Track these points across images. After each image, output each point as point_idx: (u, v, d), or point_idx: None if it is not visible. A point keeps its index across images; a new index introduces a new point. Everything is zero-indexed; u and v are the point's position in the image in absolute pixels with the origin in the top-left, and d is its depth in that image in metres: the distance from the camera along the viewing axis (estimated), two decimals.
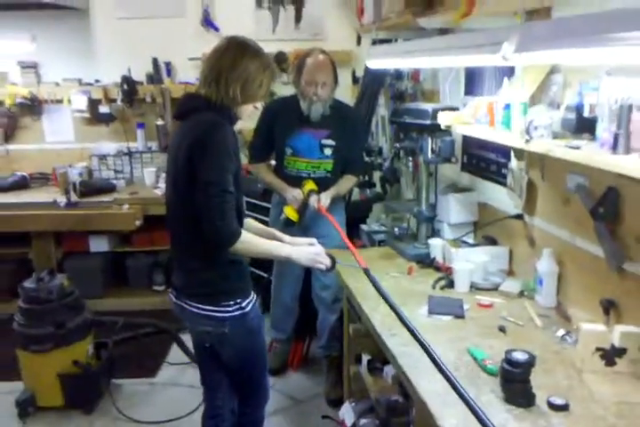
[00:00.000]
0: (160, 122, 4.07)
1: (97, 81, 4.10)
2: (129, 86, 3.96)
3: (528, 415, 1.36)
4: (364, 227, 3.13)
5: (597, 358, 1.48)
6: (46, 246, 3.85)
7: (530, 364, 1.38)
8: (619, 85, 1.36)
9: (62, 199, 3.71)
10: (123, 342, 3.35)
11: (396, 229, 2.66)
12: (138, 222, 3.71)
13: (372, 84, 3.34)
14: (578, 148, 1.36)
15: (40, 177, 4.18)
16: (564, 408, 1.36)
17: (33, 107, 4.08)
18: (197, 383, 2.99)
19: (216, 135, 1.67)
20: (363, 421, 2.45)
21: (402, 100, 3.03)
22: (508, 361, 1.40)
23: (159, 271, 4.04)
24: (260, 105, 1.83)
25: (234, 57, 1.72)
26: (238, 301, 1.80)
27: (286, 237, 1.95)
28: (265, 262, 3.18)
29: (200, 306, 1.80)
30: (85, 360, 2.82)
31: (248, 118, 1.87)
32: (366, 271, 1.75)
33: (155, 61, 4.07)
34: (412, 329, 1.39)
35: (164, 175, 4.01)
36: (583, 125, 1.48)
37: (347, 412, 2.56)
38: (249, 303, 1.84)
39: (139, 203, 3.76)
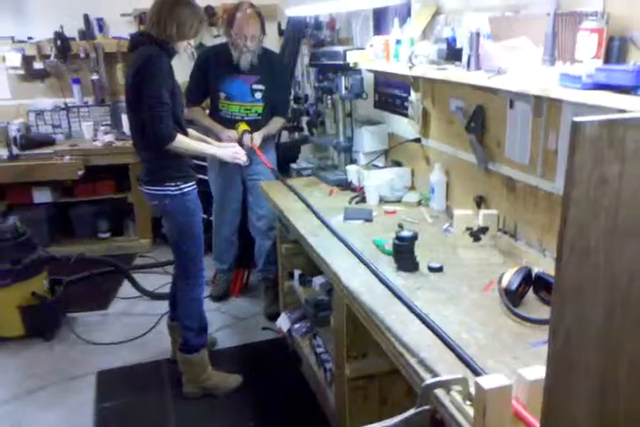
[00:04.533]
0: (95, 77, 4.23)
1: (30, 38, 4.18)
2: (62, 42, 4.08)
3: (413, 276, 1.77)
4: (293, 165, 3.49)
5: (467, 236, 1.91)
6: None
7: (414, 238, 1.79)
8: (474, 20, 1.75)
9: (4, 152, 3.86)
10: (77, 281, 3.62)
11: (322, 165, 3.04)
12: (80, 172, 3.91)
13: (293, 32, 3.64)
14: (445, 69, 1.75)
15: None
16: (439, 270, 1.79)
17: None
18: (150, 311, 3.36)
19: (154, 63, 2.18)
20: (297, 325, 2.87)
21: (322, 47, 3.33)
22: (398, 237, 1.80)
23: (103, 219, 4.26)
24: (192, 42, 2.35)
25: (170, 5, 2.27)
26: (179, 184, 2.36)
27: (216, 143, 2.65)
28: (205, 204, 3.49)
29: (151, 187, 2.40)
30: (42, 293, 3.08)
31: (184, 52, 2.39)
32: (273, 171, 2.34)
33: (86, 17, 4.19)
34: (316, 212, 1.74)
35: (102, 128, 4.22)
36: (453, 54, 1.87)
37: (283, 321, 2.96)
38: (188, 188, 2.39)
39: (79, 154, 3.95)
